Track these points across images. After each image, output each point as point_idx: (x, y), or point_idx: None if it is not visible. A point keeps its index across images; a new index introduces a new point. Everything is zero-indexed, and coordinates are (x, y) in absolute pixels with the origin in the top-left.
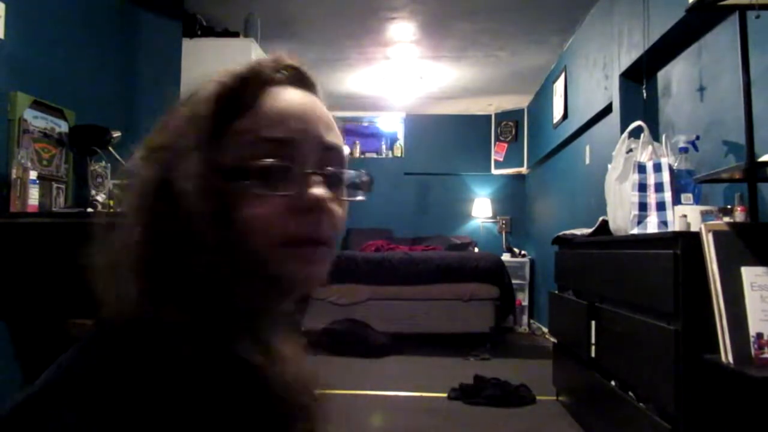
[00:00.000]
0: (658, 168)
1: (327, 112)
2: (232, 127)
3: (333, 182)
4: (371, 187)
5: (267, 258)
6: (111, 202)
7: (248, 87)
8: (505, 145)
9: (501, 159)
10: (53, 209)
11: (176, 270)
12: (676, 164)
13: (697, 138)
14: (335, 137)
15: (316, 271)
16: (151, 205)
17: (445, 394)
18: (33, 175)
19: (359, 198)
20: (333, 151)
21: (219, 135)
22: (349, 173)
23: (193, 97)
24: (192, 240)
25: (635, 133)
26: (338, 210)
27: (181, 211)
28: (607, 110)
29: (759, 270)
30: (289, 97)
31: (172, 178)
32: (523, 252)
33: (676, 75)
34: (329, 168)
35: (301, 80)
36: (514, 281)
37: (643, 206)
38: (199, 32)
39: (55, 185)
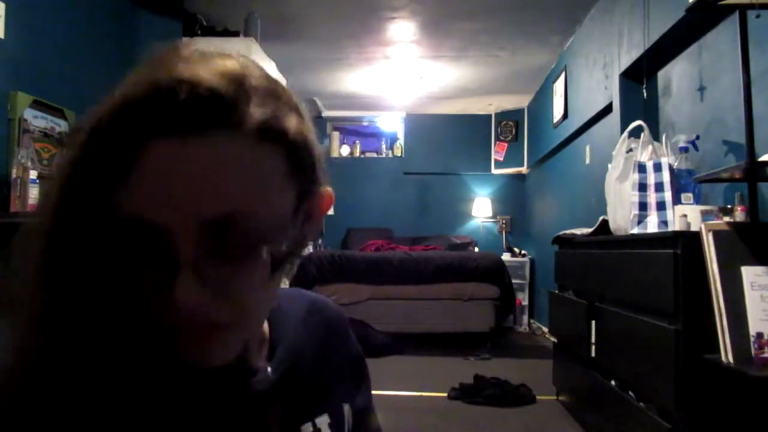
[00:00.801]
0: (658, 168)
1: (216, 171)
2: (119, 188)
3: (232, 251)
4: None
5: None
6: None
7: (126, 141)
8: (506, 144)
9: (501, 159)
10: None
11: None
12: (676, 164)
13: (697, 138)
14: (228, 203)
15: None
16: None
17: (445, 394)
18: (33, 174)
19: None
20: (228, 221)
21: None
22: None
23: (99, 113)
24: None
25: (635, 133)
26: (241, 282)
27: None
28: (608, 110)
29: (759, 270)
30: (165, 166)
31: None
32: (523, 252)
33: (676, 74)
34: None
35: (208, 117)
36: (514, 281)
37: (643, 206)
38: (199, 32)
39: None
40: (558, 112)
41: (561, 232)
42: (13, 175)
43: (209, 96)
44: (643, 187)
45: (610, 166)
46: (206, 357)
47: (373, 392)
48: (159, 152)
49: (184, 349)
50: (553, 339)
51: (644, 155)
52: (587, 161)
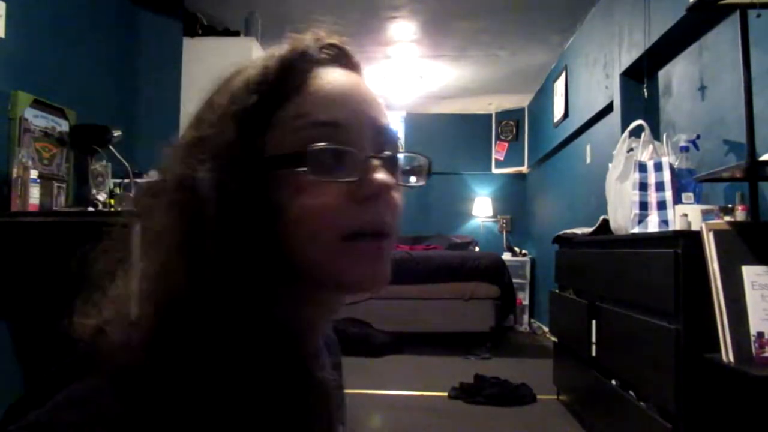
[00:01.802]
0: (658, 167)
1: (375, 93)
2: (279, 114)
3: (390, 167)
4: (429, 171)
5: (323, 258)
6: (112, 201)
7: (293, 69)
8: (506, 144)
9: (501, 158)
10: (54, 208)
11: (207, 283)
12: (676, 163)
13: (698, 137)
14: (386, 119)
15: (382, 268)
16: (186, 206)
17: (445, 393)
18: (34, 174)
19: (418, 183)
20: (387, 133)
21: (264, 124)
22: (405, 157)
23: (229, 85)
24: (231, 244)
25: (636, 132)
26: (398, 197)
27: (219, 211)
28: (608, 109)
29: (760, 269)
30: (338, 77)
31: (210, 176)
32: (523, 251)
33: (676, 74)
34: (386, 152)
35: (345, 60)
36: (514, 280)
37: (643, 205)
38: (199, 31)
39: (55, 184)
40: (558, 111)
41: (561, 232)
42: (14, 175)
43: (341, 46)
44: (643, 186)
45: (610, 165)
46: (378, 271)
47: (373, 392)
48: (327, 74)
49: (355, 266)
50: (553, 338)
51: (645, 155)
52: (588, 161)
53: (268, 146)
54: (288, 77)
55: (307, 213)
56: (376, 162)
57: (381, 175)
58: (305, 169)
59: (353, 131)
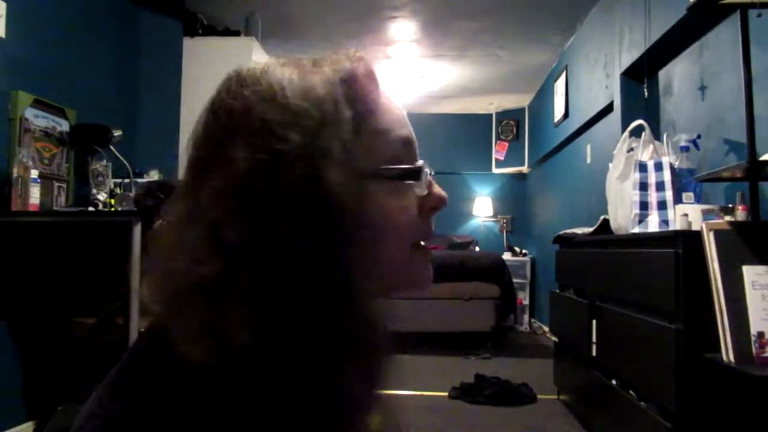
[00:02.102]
0: (659, 167)
1: None
2: (367, 127)
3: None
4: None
5: (400, 262)
6: (112, 201)
7: (369, 84)
8: (506, 144)
9: (502, 158)
10: (54, 208)
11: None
12: (677, 163)
13: (699, 137)
14: None
15: (431, 269)
16: (300, 211)
17: (446, 393)
18: (34, 173)
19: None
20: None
21: (357, 135)
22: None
23: (303, 93)
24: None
25: (636, 132)
26: None
27: (333, 216)
28: (608, 109)
29: (760, 269)
30: (390, 96)
31: (321, 184)
32: (524, 251)
33: (677, 74)
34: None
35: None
36: (515, 280)
37: (644, 205)
38: (199, 31)
39: (56, 184)
40: (559, 111)
41: (562, 232)
42: (14, 175)
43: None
44: (644, 186)
45: (610, 165)
46: (430, 272)
47: None
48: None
49: (421, 268)
50: (553, 338)
51: (645, 154)
52: (588, 160)
53: (362, 158)
54: (366, 91)
55: (389, 223)
56: (431, 176)
57: (439, 189)
58: (413, 182)
59: (414, 147)
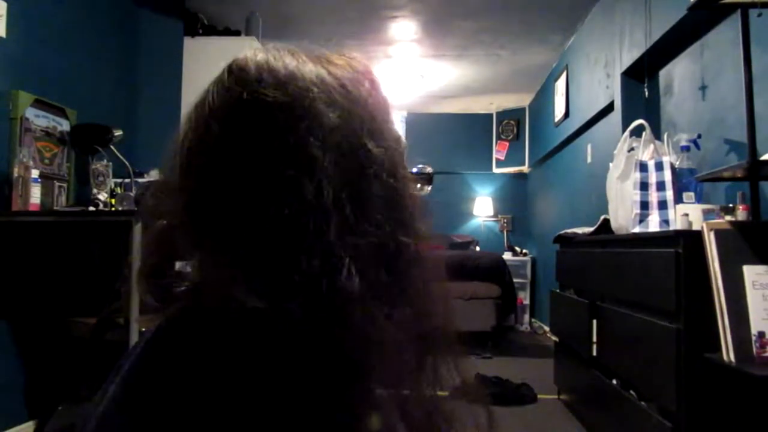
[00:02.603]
0: (659, 166)
1: None
2: (393, 132)
3: None
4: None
5: None
6: (112, 201)
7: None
8: (507, 143)
9: (502, 158)
10: (55, 208)
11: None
12: (677, 163)
13: (699, 136)
14: None
15: None
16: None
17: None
18: (35, 173)
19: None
20: None
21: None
22: None
23: (354, 96)
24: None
25: (637, 132)
26: None
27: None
28: (609, 109)
29: (761, 269)
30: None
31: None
32: (524, 251)
33: (677, 73)
34: None
35: None
36: (515, 280)
37: (644, 205)
38: (200, 31)
39: (56, 184)
40: (559, 111)
41: (562, 231)
42: (15, 174)
43: None
44: (644, 186)
45: (611, 165)
46: None
47: None
48: None
49: None
50: (554, 338)
51: (646, 154)
52: (589, 160)
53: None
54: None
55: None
56: None
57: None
58: (427, 185)
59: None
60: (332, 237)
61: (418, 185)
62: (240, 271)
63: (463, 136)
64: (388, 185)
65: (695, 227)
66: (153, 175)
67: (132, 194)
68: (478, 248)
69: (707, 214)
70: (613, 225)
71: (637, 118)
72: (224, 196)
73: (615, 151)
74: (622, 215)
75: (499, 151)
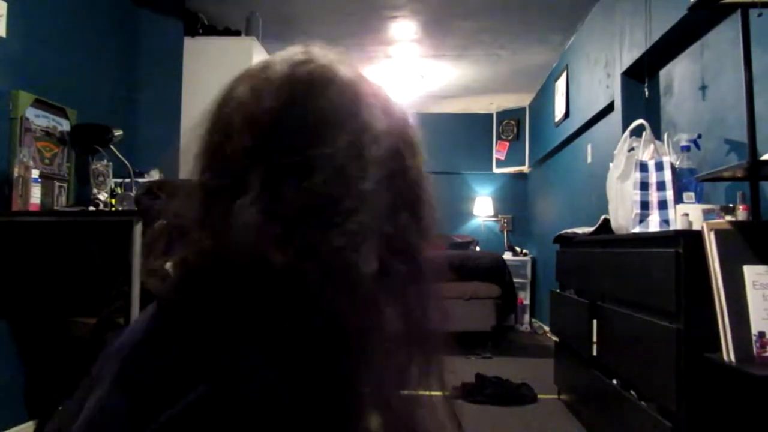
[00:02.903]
0: (659, 166)
1: None
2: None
3: None
4: None
5: None
6: (113, 201)
7: None
8: (507, 143)
9: (502, 158)
10: (55, 208)
11: None
12: (677, 163)
13: (699, 136)
14: None
15: None
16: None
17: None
18: (35, 173)
19: None
20: None
21: None
22: None
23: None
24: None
25: (637, 132)
26: None
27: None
28: (609, 109)
29: (761, 268)
30: None
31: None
32: (524, 251)
33: (678, 73)
34: None
35: None
36: (515, 280)
37: (644, 205)
38: (200, 31)
39: (56, 184)
40: (559, 111)
41: (562, 231)
42: (15, 174)
43: None
44: (644, 186)
45: (611, 165)
46: None
47: None
48: None
49: None
50: (554, 338)
51: (646, 154)
52: (589, 160)
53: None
54: None
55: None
56: None
57: None
58: None
59: None
60: (365, 219)
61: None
62: (280, 227)
63: (463, 136)
64: (417, 190)
65: (695, 227)
66: (153, 175)
67: (132, 194)
68: (478, 248)
69: (707, 214)
70: (613, 225)
71: (637, 118)
72: (282, 156)
73: (615, 151)
74: (622, 215)
75: (499, 151)
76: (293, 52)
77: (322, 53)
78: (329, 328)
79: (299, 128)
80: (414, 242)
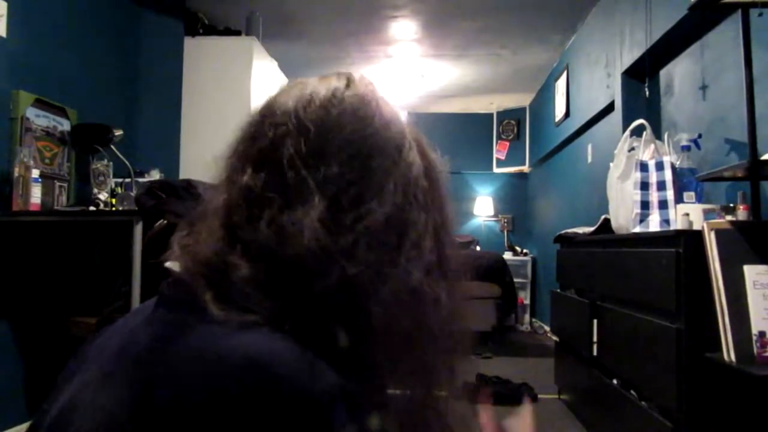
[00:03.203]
0: (660, 166)
1: None
2: None
3: None
4: None
5: None
6: (113, 201)
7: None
8: (507, 143)
9: (503, 157)
10: (55, 208)
11: None
12: (678, 162)
13: (700, 136)
14: None
15: None
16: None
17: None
18: (35, 173)
19: None
20: None
21: None
22: None
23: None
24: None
25: (637, 132)
26: None
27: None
28: (609, 108)
29: (761, 268)
30: None
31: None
32: (525, 250)
33: (678, 73)
34: None
35: None
36: (516, 280)
37: (645, 204)
38: (200, 31)
39: (57, 183)
40: (560, 110)
41: (563, 231)
42: (16, 174)
43: None
44: (645, 185)
45: (611, 164)
46: None
47: None
48: None
49: None
50: (554, 338)
51: (646, 154)
52: (589, 160)
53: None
54: None
55: None
56: None
57: None
58: None
59: None
60: (424, 243)
61: None
62: (329, 216)
63: (464, 136)
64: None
65: (696, 227)
66: (153, 175)
67: (132, 194)
68: (478, 248)
69: (708, 214)
70: (614, 225)
71: (637, 118)
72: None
73: (615, 151)
74: (623, 215)
75: (499, 151)
76: (331, 74)
77: (359, 77)
78: (379, 332)
79: (351, 144)
80: (449, 263)
